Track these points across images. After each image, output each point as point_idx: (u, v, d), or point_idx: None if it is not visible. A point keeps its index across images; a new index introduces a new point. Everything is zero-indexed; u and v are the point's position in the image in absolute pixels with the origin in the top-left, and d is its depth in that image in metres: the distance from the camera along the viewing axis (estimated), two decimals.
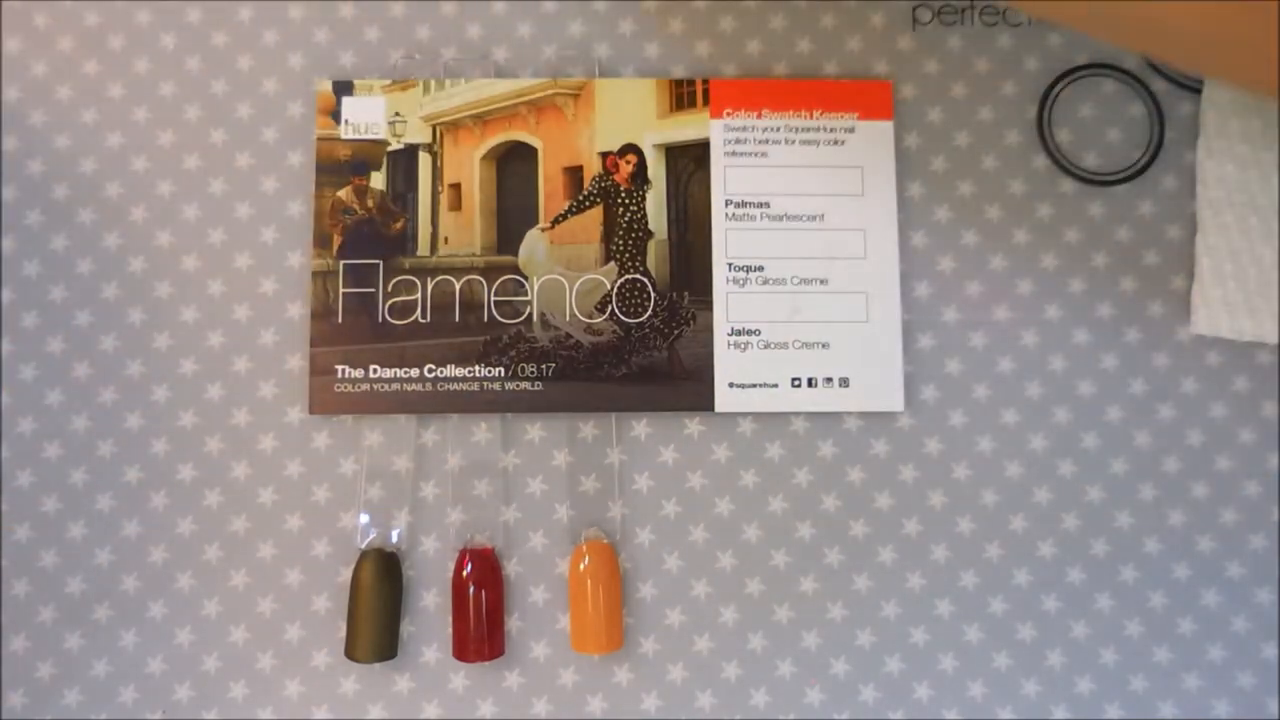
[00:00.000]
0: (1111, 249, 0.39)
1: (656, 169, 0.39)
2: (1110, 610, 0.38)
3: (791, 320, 0.38)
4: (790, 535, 0.38)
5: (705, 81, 0.39)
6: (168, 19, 0.40)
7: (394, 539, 0.37)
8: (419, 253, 0.38)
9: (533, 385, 0.38)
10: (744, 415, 0.38)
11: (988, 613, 0.38)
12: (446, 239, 0.39)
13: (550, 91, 0.39)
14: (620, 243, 0.39)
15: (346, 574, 0.37)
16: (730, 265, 0.38)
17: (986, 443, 0.38)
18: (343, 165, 0.39)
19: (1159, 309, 0.39)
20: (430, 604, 0.37)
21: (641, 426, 0.38)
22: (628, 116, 0.39)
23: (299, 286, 0.39)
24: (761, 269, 0.38)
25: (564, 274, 0.38)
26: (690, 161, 0.39)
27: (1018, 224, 0.39)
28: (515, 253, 0.39)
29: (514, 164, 0.39)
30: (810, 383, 0.38)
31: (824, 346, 0.38)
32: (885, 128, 0.39)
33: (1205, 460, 0.38)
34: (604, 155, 0.39)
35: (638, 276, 0.38)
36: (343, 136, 0.39)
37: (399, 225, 0.39)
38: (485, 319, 0.38)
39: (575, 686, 0.37)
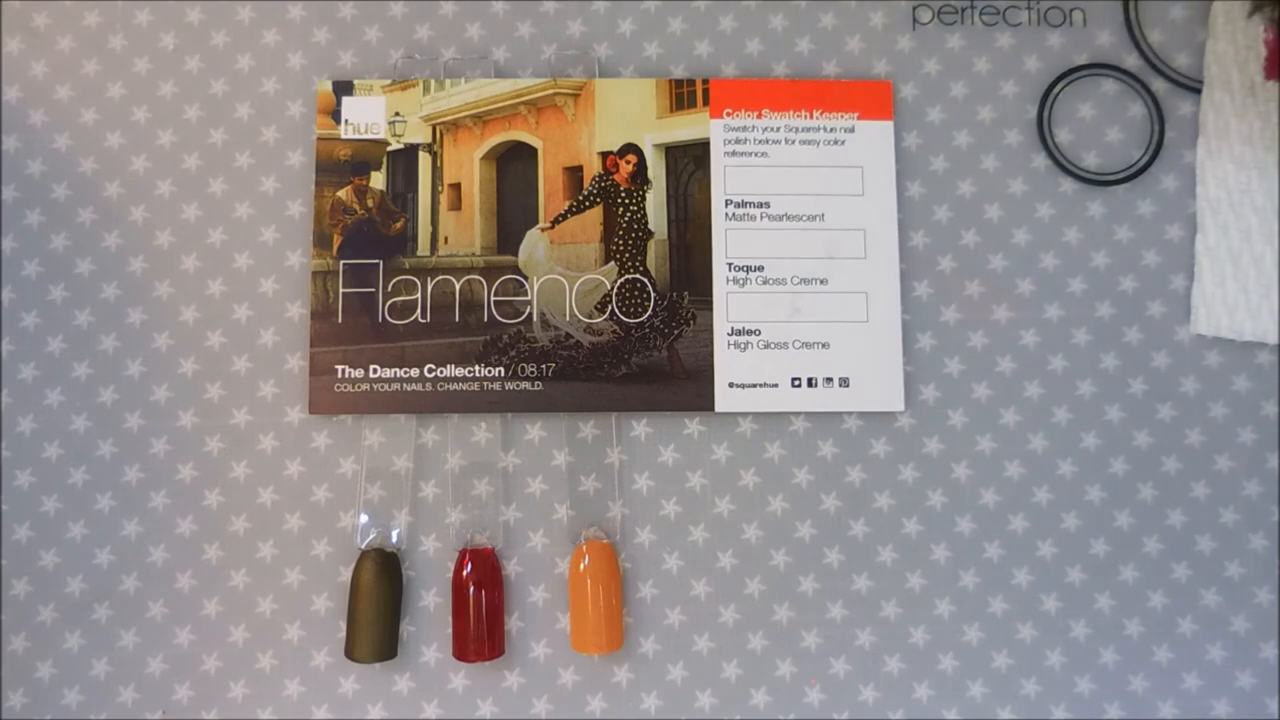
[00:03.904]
0: (1111, 249, 0.39)
1: (656, 169, 0.39)
2: (1110, 610, 0.38)
3: (791, 320, 0.38)
4: (790, 535, 0.38)
5: (705, 81, 0.39)
6: (168, 19, 0.40)
7: (394, 539, 0.37)
8: (419, 253, 0.38)
9: (533, 385, 0.38)
10: (744, 415, 0.38)
11: (988, 613, 0.38)
12: (446, 239, 0.39)
13: (550, 91, 0.39)
14: (620, 243, 0.39)
15: (346, 574, 0.37)
16: (730, 265, 0.38)
17: (986, 443, 0.38)
18: (343, 165, 0.39)
19: (1159, 309, 0.39)
20: (430, 604, 0.37)
21: (641, 426, 0.38)
22: (628, 116, 0.39)
23: (299, 286, 0.39)
24: (761, 269, 0.38)
25: (564, 274, 0.38)
26: (690, 161, 0.39)
27: (1018, 224, 0.39)
28: (515, 253, 0.39)
29: (514, 164, 0.39)
30: (810, 383, 0.38)
31: (824, 346, 0.38)
32: (885, 128, 0.39)
33: (1205, 460, 0.38)
34: (604, 155, 0.39)
35: (638, 276, 0.38)
36: (343, 136, 0.39)
37: (399, 225, 0.39)
38: (485, 319, 0.38)
39: (575, 686, 0.37)
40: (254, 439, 0.38)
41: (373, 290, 0.38)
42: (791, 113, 0.39)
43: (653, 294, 0.38)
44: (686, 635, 0.37)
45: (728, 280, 0.38)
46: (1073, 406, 0.39)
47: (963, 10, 0.41)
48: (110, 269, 0.38)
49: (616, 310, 0.38)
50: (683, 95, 0.39)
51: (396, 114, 0.39)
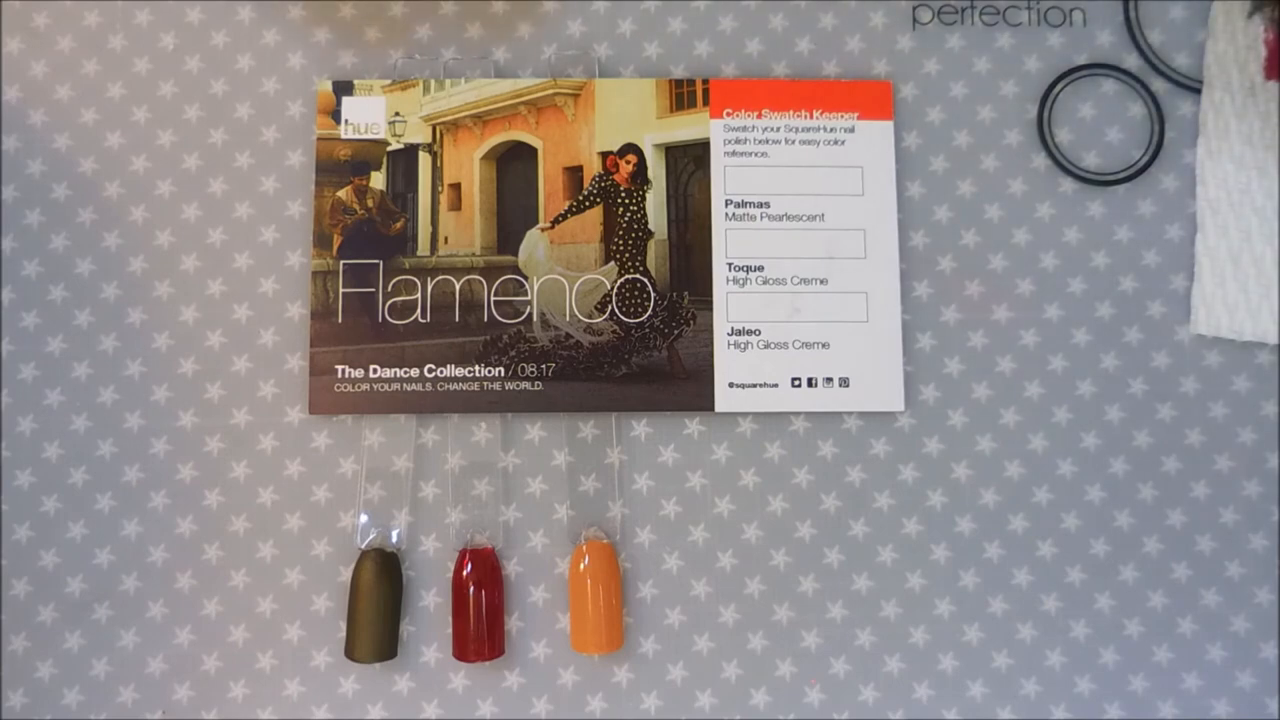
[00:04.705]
0: (1111, 249, 0.39)
1: (656, 169, 0.39)
2: (1110, 610, 0.38)
3: (791, 320, 0.38)
4: (790, 535, 0.38)
5: (705, 81, 0.39)
6: (168, 19, 0.40)
7: (394, 539, 0.37)
8: (419, 253, 0.38)
9: (533, 385, 0.38)
10: (744, 415, 0.38)
11: (988, 613, 0.38)
12: (446, 239, 0.39)
13: (550, 91, 0.39)
14: (620, 243, 0.39)
15: (346, 574, 0.37)
16: (730, 265, 0.38)
17: (986, 443, 0.38)
18: (343, 165, 0.39)
19: (1159, 309, 0.39)
20: (430, 604, 0.37)
21: (641, 426, 0.38)
22: (628, 116, 0.39)
23: (299, 286, 0.39)
24: (761, 269, 0.38)
25: (564, 274, 0.38)
26: (690, 161, 0.39)
27: (1018, 224, 0.39)
28: (515, 253, 0.39)
29: (514, 164, 0.39)
30: (810, 383, 0.38)
31: (824, 346, 0.38)
32: (885, 128, 0.39)
33: (1205, 460, 0.38)
34: (604, 155, 0.39)
35: (638, 276, 0.38)
36: (343, 136, 0.39)
37: (399, 225, 0.39)
38: (485, 319, 0.38)
39: (575, 686, 0.37)
40: (254, 439, 0.38)
41: (373, 290, 0.38)
42: (791, 113, 0.39)
43: (653, 294, 0.38)
44: (686, 635, 0.37)
45: (728, 280, 0.38)
46: (1073, 406, 0.39)
47: (963, 10, 0.41)
48: (110, 269, 0.38)
49: (616, 310, 0.38)
50: (683, 95, 0.39)
51: (396, 114, 0.39)
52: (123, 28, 0.40)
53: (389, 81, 0.39)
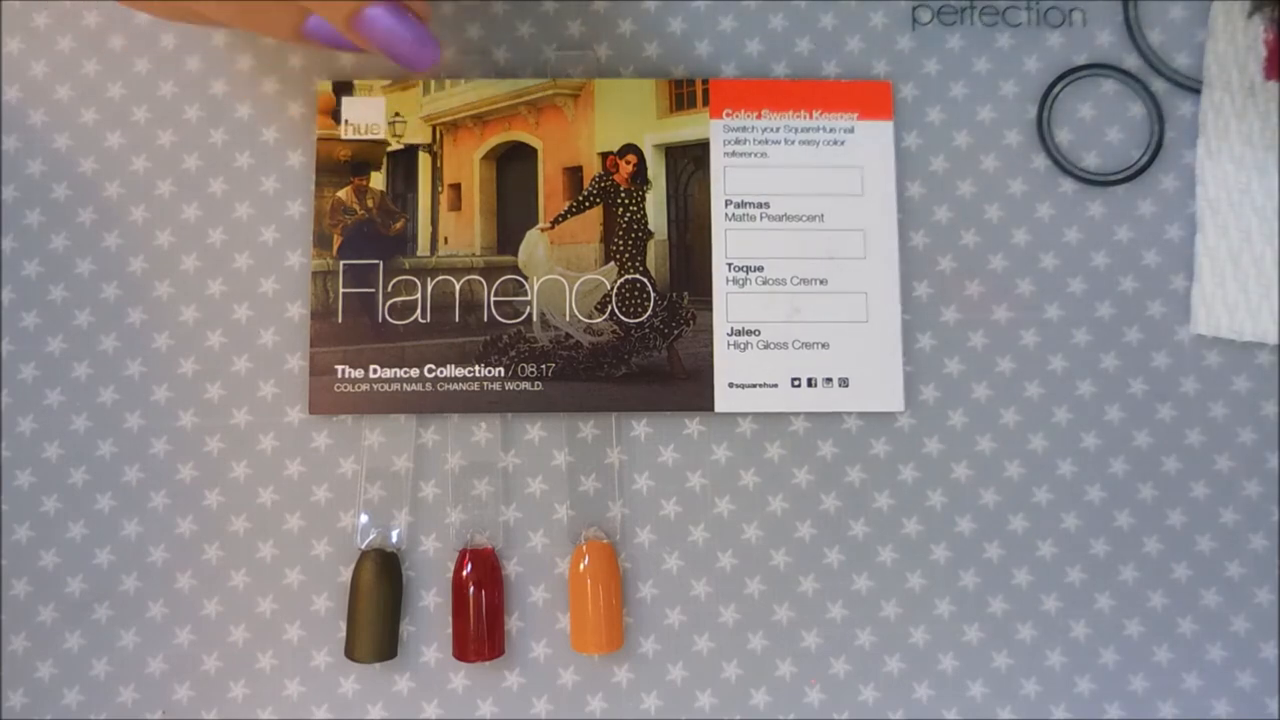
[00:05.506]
0: (1111, 249, 0.39)
1: (656, 169, 0.39)
2: (1110, 610, 0.38)
3: (791, 320, 0.38)
4: (790, 535, 0.38)
5: (705, 81, 0.39)
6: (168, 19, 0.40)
7: (394, 539, 0.37)
8: (419, 253, 0.38)
9: (533, 385, 0.38)
10: (744, 415, 0.38)
11: (988, 613, 0.38)
12: (446, 239, 0.39)
13: (550, 91, 0.39)
14: (620, 243, 0.39)
15: (346, 574, 0.37)
16: (730, 265, 0.38)
17: (986, 443, 0.38)
18: (343, 165, 0.39)
19: (1159, 309, 0.39)
20: (430, 604, 0.37)
21: (641, 426, 0.38)
22: (628, 116, 0.39)
23: (299, 286, 0.39)
24: (761, 269, 0.38)
25: (564, 274, 0.38)
26: (690, 161, 0.39)
27: (1018, 224, 0.39)
28: (515, 253, 0.39)
29: (514, 164, 0.39)
30: (810, 383, 0.38)
31: (824, 346, 0.38)
32: (885, 128, 0.39)
33: (1205, 460, 0.38)
34: (604, 155, 0.39)
35: (637, 276, 0.38)
36: (343, 137, 0.39)
37: (399, 225, 0.39)
38: (485, 319, 0.38)
39: (575, 686, 0.37)
40: (254, 439, 0.38)
41: (373, 290, 0.38)
42: (791, 113, 0.39)
43: (653, 294, 0.38)
44: (686, 635, 0.37)
45: (727, 280, 0.38)
46: (1073, 406, 0.39)
47: (962, 10, 0.41)
48: (110, 269, 0.38)
49: (616, 310, 0.38)
50: (683, 95, 0.39)
51: (396, 114, 0.39)
52: (122, 28, 0.40)
53: (389, 82, 0.39)
